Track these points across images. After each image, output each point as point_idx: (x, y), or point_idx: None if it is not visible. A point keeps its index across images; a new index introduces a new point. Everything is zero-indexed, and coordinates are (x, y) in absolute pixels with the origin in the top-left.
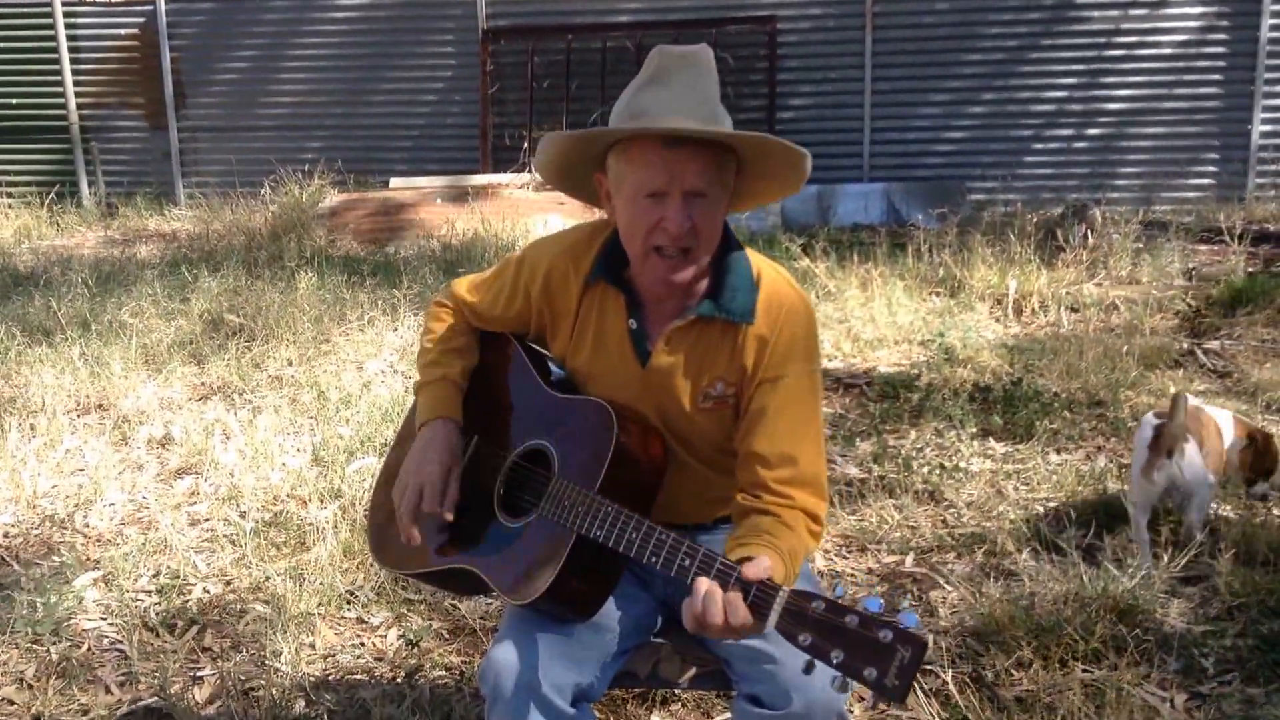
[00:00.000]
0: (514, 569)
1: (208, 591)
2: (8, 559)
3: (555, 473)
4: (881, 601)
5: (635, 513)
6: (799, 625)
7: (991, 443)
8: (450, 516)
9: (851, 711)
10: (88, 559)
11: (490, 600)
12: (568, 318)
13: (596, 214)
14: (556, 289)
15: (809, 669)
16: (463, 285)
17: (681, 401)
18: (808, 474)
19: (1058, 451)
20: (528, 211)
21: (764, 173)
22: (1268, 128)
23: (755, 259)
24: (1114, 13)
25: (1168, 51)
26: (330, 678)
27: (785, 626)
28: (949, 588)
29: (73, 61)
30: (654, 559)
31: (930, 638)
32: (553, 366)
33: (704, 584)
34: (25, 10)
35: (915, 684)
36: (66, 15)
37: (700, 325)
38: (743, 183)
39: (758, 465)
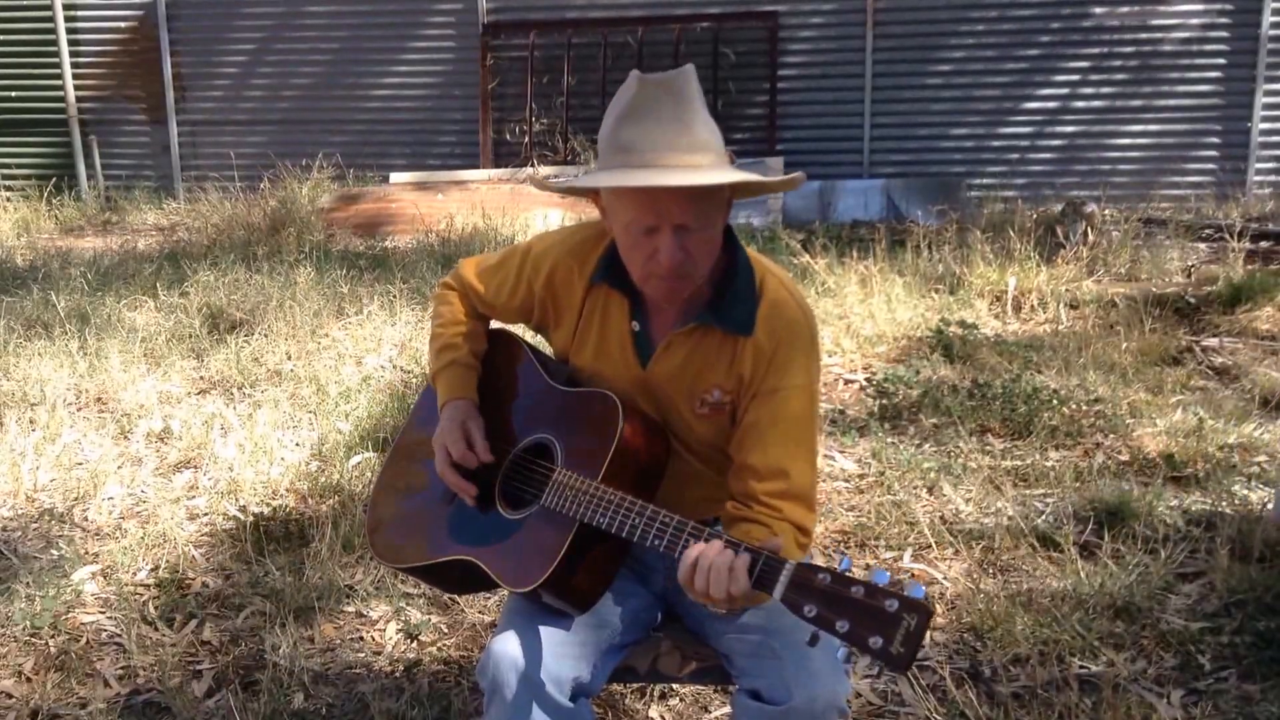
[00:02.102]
0: (515, 558)
1: (206, 585)
2: (6, 552)
3: (559, 464)
4: (888, 574)
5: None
6: (804, 596)
7: (990, 439)
8: (489, 456)
9: (850, 706)
10: (86, 552)
11: (489, 594)
12: (571, 314)
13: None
14: (560, 287)
15: (814, 641)
16: (470, 268)
17: (679, 406)
18: (798, 488)
19: (1056, 448)
20: (528, 206)
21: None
22: (1268, 125)
23: (760, 266)
24: (1115, 9)
25: (1168, 48)
26: (329, 672)
27: (791, 598)
28: (947, 584)
29: (72, 54)
30: (657, 542)
31: (936, 607)
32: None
33: (698, 546)
34: (25, 3)
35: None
36: (66, 8)
37: (700, 332)
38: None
39: (749, 477)
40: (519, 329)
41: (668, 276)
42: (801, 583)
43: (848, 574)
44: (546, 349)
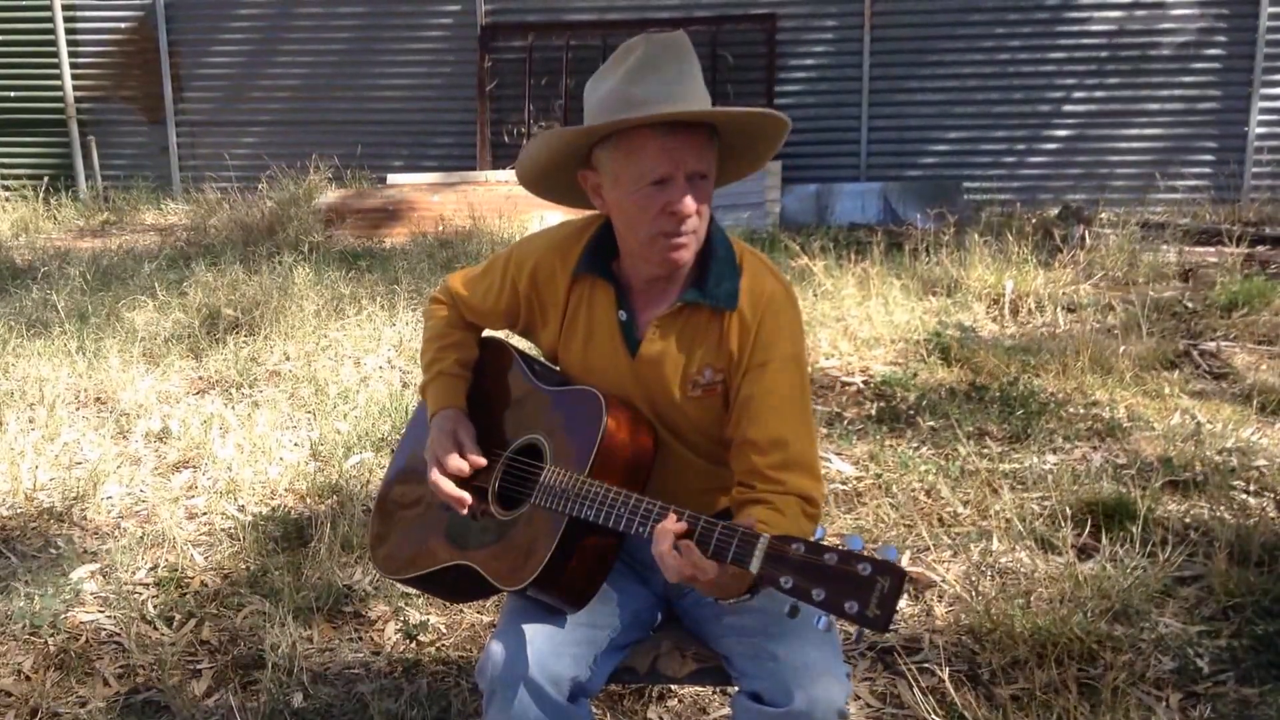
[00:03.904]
0: (509, 558)
1: (205, 585)
2: (6, 551)
3: (548, 462)
4: (862, 540)
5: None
6: (780, 568)
7: (988, 442)
8: (481, 461)
9: (849, 709)
10: (85, 552)
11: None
12: (556, 310)
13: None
14: (544, 284)
15: (793, 613)
16: (457, 280)
17: (671, 390)
18: (798, 457)
19: (1054, 451)
20: (525, 208)
21: (742, 152)
22: (1264, 129)
23: (737, 245)
24: (1112, 13)
25: (1165, 52)
26: (328, 672)
27: (767, 571)
28: (945, 586)
29: (71, 54)
30: (641, 529)
31: (906, 570)
32: (547, 364)
33: (667, 525)
34: (24, 3)
35: (896, 616)
36: (65, 8)
37: (687, 312)
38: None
39: (750, 452)
40: (512, 337)
41: (679, 231)
42: (777, 555)
43: (821, 542)
44: (536, 354)
